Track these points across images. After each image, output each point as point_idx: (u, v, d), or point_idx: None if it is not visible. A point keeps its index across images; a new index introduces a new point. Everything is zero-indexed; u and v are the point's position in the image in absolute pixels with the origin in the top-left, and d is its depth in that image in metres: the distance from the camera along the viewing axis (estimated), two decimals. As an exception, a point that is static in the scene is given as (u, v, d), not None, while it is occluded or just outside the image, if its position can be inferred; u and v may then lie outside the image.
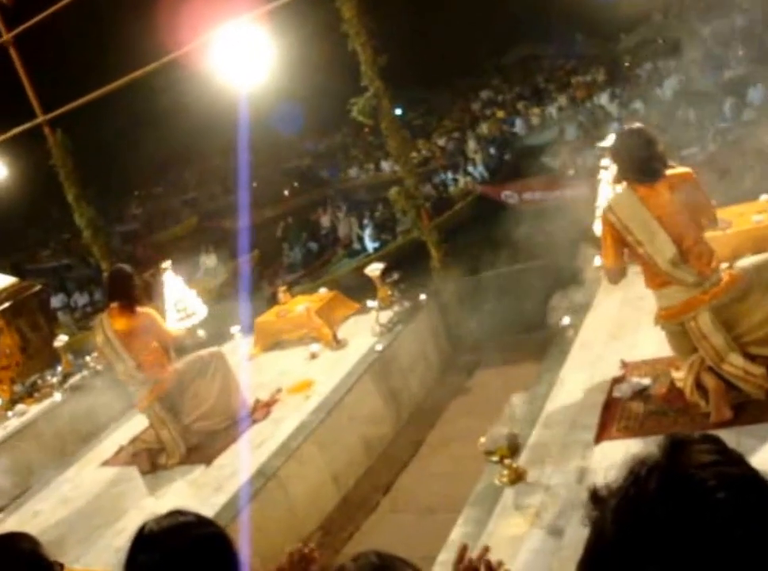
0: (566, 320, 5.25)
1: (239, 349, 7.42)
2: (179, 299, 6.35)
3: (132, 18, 21.86)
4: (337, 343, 6.72)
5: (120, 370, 5.64)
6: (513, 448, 3.61)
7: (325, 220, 19.43)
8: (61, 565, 2.00)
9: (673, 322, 3.76)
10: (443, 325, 7.21)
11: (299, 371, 6.55)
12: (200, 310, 6.40)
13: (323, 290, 7.82)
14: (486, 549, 1.98)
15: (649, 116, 15.40)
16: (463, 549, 1.97)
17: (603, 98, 19.86)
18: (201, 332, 6.34)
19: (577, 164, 15.61)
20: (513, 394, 4.25)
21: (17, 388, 9.09)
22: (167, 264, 6.48)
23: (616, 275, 3.92)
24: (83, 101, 8.63)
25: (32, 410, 8.50)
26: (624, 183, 3.76)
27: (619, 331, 5.03)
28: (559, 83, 23.92)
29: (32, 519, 5.80)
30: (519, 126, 21.44)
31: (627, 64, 22.56)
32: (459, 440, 5.51)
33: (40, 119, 8.87)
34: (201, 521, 1.68)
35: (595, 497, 0.99)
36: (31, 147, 9.46)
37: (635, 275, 4.07)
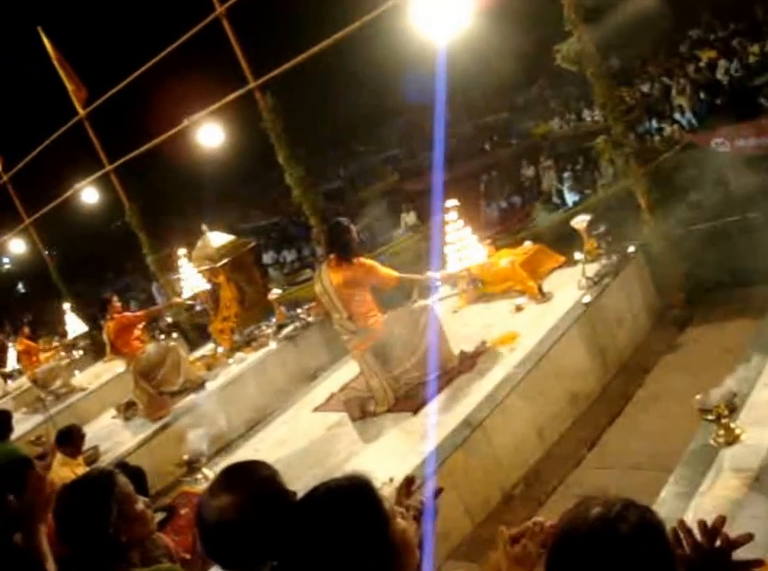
0: (791, 273, 4.88)
1: (443, 302, 7.51)
2: (458, 244, 6.56)
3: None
4: (542, 296, 6.64)
5: (335, 319, 5.86)
6: (731, 407, 3.43)
7: (529, 172, 19.09)
8: (295, 494, 2.14)
9: None
10: (652, 278, 6.92)
11: (504, 324, 6.53)
12: (480, 255, 6.58)
13: (528, 243, 7.69)
14: (723, 520, 1.85)
15: None
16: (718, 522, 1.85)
17: (837, 25, 17.91)
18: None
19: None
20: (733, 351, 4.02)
21: (237, 337, 9.74)
22: (451, 203, 6.66)
23: None
24: (290, 64, 8.93)
25: (250, 358, 9.11)
26: None
27: None
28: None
29: (253, 455, 6.14)
30: (733, 66, 19.91)
31: None
32: (669, 397, 5.32)
33: (252, 85, 9.28)
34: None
35: None
36: (242, 112, 9.97)
37: None
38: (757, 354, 4.21)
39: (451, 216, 6.60)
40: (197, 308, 10.22)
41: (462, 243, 6.57)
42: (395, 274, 5.92)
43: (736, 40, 21.30)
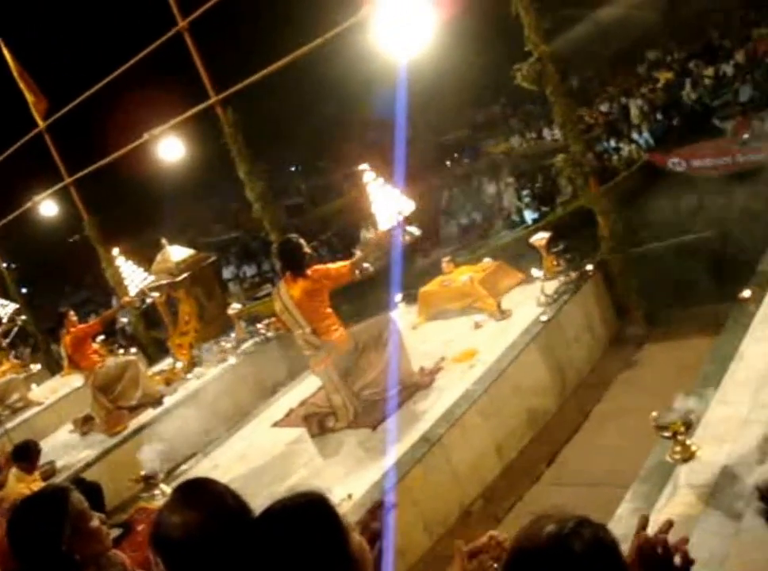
0: (746, 292, 4.95)
1: (403, 318, 7.52)
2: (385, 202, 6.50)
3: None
4: (501, 313, 6.67)
5: (297, 335, 5.80)
6: (687, 424, 3.47)
7: (491, 189, 19.23)
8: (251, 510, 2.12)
9: None
10: (610, 296, 6.99)
11: (463, 340, 6.56)
12: (407, 205, 6.53)
13: (487, 260, 7.73)
14: (670, 524, 1.88)
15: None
16: (644, 520, 1.89)
17: (786, 51, 18.34)
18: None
19: (752, 127, 14.72)
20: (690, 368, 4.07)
21: (195, 352, 9.66)
22: (364, 166, 6.63)
23: None
24: (252, 80, 8.88)
25: (209, 372, 9.04)
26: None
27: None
28: (736, 38, 22.20)
29: (211, 471, 6.14)
30: (689, 88, 20.32)
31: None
32: (627, 414, 5.36)
33: (213, 99, 9.22)
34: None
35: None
36: (203, 126, 9.91)
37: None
38: (713, 372, 4.27)
39: (368, 176, 6.56)
40: (148, 300, 10.18)
41: (386, 199, 6.51)
42: (346, 263, 5.83)
43: (692, 62, 21.68)
